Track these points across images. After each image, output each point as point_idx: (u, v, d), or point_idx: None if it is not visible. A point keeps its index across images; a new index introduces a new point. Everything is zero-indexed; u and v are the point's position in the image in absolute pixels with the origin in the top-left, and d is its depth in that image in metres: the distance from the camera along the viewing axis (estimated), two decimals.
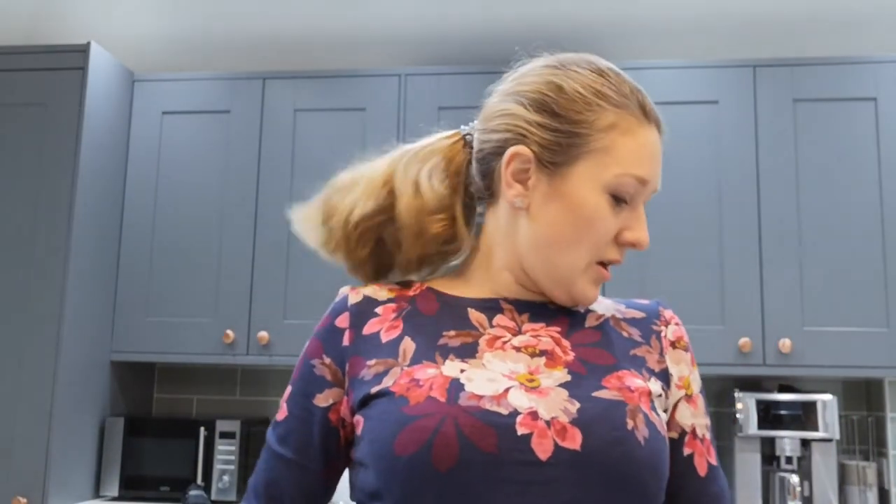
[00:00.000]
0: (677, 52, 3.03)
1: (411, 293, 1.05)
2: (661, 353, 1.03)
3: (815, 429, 2.53)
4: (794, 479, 2.48)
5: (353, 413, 0.98)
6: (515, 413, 0.88)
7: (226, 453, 2.72)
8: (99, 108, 2.72)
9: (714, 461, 1.03)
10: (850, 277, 2.55)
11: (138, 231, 2.84)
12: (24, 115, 2.68)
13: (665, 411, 1.01)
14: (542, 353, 0.97)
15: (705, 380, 2.87)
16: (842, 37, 2.97)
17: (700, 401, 1.04)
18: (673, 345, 1.05)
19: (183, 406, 3.08)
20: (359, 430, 0.95)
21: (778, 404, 2.56)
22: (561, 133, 0.98)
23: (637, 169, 0.97)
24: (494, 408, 0.88)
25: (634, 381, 0.96)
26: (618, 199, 0.97)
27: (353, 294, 1.04)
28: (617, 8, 3.07)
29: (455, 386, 0.91)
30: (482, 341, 0.98)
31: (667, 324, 1.06)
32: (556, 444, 0.87)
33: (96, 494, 2.75)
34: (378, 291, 1.05)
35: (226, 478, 2.70)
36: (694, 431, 1.02)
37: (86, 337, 2.66)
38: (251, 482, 1.04)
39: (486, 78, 2.39)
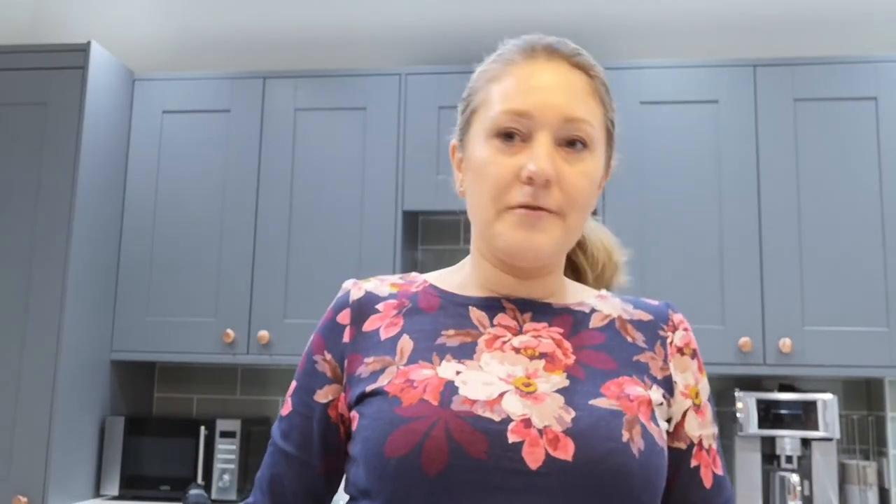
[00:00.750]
0: (677, 51, 3.03)
1: (413, 289, 1.04)
2: (666, 360, 1.00)
3: (816, 428, 2.53)
4: (795, 478, 2.48)
5: (349, 409, 0.97)
6: (508, 420, 0.87)
7: (226, 452, 2.71)
8: (99, 108, 2.72)
9: (720, 471, 1.01)
10: (850, 277, 2.55)
11: (138, 230, 2.84)
12: (25, 114, 2.68)
13: (668, 420, 0.99)
14: (542, 355, 0.95)
15: None
16: (842, 36, 2.97)
17: (708, 410, 1.02)
18: (680, 351, 1.02)
19: (183, 405, 3.08)
20: (354, 426, 0.94)
21: (778, 404, 2.56)
22: (462, 113, 1.04)
23: (508, 103, 0.95)
24: (487, 413, 0.87)
25: (635, 388, 0.94)
26: (507, 138, 0.95)
27: (355, 289, 1.04)
28: (617, 8, 3.07)
29: (449, 389, 0.90)
30: (481, 341, 0.96)
31: (674, 329, 1.03)
32: (547, 454, 0.86)
33: (96, 494, 2.75)
34: (380, 286, 1.04)
35: (226, 477, 2.70)
36: (701, 443, 1.00)
37: (86, 337, 2.66)
38: (257, 477, 1.05)
39: None
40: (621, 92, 2.64)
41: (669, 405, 0.99)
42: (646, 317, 1.03)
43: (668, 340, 1.02)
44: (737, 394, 2.57)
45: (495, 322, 0.98)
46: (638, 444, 0.88)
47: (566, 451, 0.86)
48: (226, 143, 2.85)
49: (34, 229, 2.61)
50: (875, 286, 2.53)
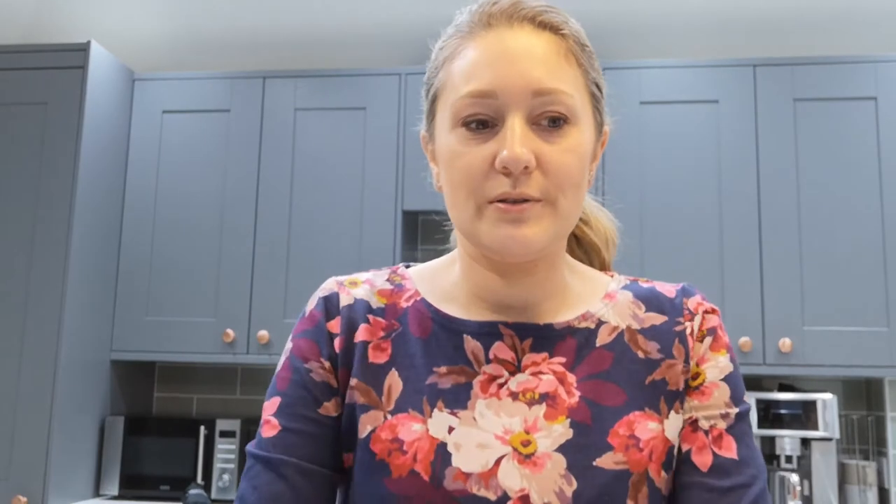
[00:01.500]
0: (677, 51, 3.03)
1: (403, 303, 0.93)
2: (687, 360, 0.90)
3: (815, 428, 2.53)
4: (794, 478, 2.48)
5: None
6: (505, 498, 0.81)
7: (226, 452, 2.72)
8: (99, 107, 2.72)
9: (729, 453, 0.87)
10: (850, 277, 2.55)
11: (138, 230, 2.84)
12: (25, 114, 2.68)
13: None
14: (543, 397, 0.86)
15: None
16: (842, 37, 2.97)
17: (717, 390, 0.89)
18: (700, 338, 0.91)
19: (183, 405, 3.08)
20: (349, 463, 0.89)
21: (778, 403, 2.56)
22: (425, 98, 0.93)
23: (469, 84, 0.83)
24: (482, 492, 0.81)
25: (647, 427, 0.86)
26: (477, 126, 0.83)
27: (344, 294, 0.94)
28: (617, 8, 3.07)
29: (441, 456, 0.83)
30: (476, 384, 0.87)
31: (692, 317, 0.92)
32: None
33: (96, 493, 2.75)
34: (370, 294, 0.94)
35: (226, 477, 2.70)
36: (695, 423, 0.89)
37: (86, 336, 2.66)
38: None
39: None
40: (621, 92, 2.64)
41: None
42: (658, 319, 0.92)
43: (688, 332, 0.91)
44: None
45: (491, 355, 0.88)
46: None
47: None
48: (226, 143, 2.85)
49: (34, 229, 2.61)
50: (875, 286, 2.53)
